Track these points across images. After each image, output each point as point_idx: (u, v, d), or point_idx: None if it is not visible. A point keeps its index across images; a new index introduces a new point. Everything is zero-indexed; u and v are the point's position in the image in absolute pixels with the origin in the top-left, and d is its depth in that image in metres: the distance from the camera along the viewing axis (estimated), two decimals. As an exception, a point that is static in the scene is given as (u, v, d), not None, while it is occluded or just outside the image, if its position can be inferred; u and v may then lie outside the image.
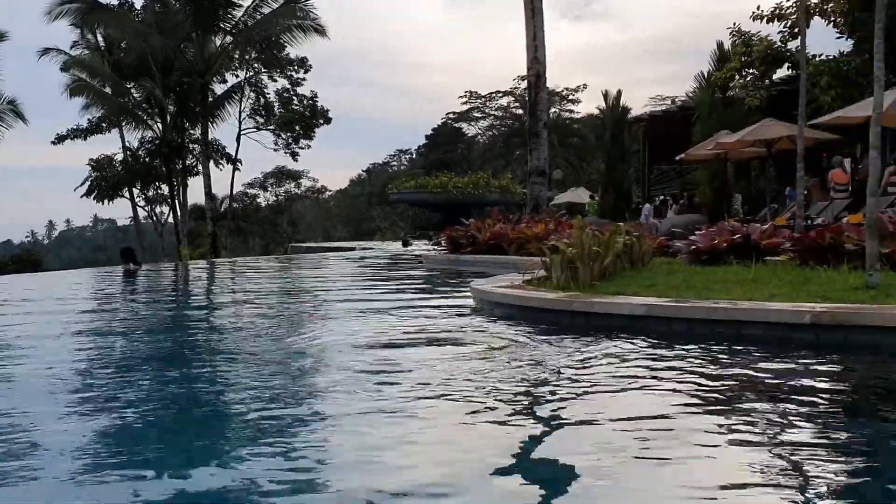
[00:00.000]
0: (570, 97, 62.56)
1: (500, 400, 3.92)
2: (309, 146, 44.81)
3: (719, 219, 16.30)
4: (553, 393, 4.18)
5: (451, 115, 68.58)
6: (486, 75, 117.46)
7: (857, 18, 15.77)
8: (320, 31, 35.19)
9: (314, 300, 10.63)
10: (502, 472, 2.91)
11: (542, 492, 2.75)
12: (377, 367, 4.80)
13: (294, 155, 45.32)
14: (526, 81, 22.17)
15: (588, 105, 68.06)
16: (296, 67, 42.46)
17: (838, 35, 17.74)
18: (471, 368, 4.72)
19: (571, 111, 63.33)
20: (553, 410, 3.83)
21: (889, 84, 9.45)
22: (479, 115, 68.07)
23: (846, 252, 8.36)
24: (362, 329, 6.73)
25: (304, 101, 43.65)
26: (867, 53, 15.35)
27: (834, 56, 18.61)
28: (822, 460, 3.00)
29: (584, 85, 62.58)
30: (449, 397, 3.98)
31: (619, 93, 26.90)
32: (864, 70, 16.14)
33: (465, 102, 67.00)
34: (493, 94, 65.79)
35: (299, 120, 43.51)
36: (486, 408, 3.78)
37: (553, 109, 55.72)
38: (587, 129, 56.04)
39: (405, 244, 40.17)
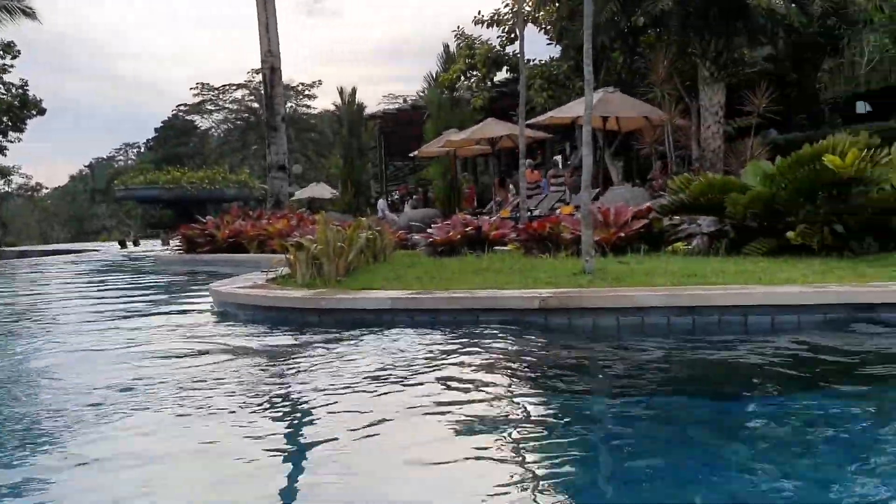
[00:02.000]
0: (307, 92, 62.29)
1: (241, 403, 3.84)
2: (20, 139, 39.89)
3: (452, 213, 17.17)
4: (298, 390, 4.15)
5: (182, 108, 65.08)
6: (218, 66, 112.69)
7: (564, 27, 17.37)
8: (29, 13, 31.44)
9: (26, 312, 9.52)
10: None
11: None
12: (105, 381, 4.40)
13: (2, 149, 40.08)
14: (261, 74, 21.64)
15: (324, 101, 68.17)
16: (1, 53, 37.49)
17: (549, 41, 19.44)
18: (210, 375, 4.51)
19: (308, 106, 63.12)
20: (295, 408, 3.84)
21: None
22: (213, 108, 65.37)
23: (564, 241, 9.26)
24: (88, 343, 6.15)
25: (13, 90, 38.72)
26: (573, 59, 17.04)
27: (545, 61, 20.41)
28: (516, 425, 3.30)
29: (320, 81, 62.58)
30: (188, 407, 3.79)
31: (354, 90, 27.24)
32: (570, 74, 17.92)
33: (198, 94, 64.03)
34: (227, 87, 63.56)
35: (7, 111, 38.48)
36: (228, 411, 3.71)
37: (290, 104, 55.07)
38: (324, 125, 56.07)
39: (122, 245, 37.05)
